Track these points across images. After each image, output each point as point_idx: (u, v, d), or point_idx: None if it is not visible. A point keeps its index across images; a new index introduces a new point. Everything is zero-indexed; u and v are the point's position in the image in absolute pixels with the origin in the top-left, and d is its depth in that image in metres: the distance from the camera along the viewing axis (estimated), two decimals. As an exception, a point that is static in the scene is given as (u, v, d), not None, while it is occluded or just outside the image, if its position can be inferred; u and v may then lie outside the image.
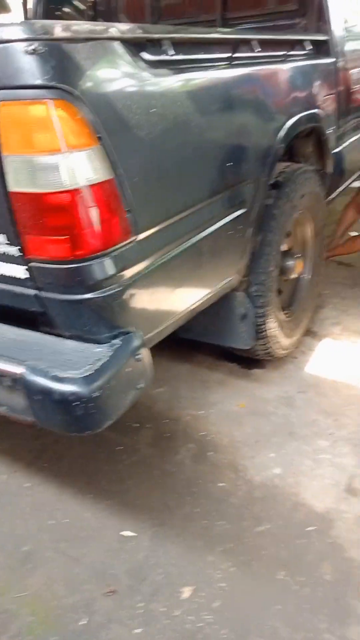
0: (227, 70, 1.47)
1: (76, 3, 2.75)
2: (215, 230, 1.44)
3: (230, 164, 1.44)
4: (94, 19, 2.74)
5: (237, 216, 1.55)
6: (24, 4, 2.98)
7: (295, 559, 1.45)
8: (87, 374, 1.06)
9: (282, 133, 1.69)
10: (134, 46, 1.15)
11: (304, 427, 1.93)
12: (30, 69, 0.92)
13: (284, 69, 1.76)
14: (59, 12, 2.86)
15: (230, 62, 1.49)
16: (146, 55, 1.19)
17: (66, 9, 2.87)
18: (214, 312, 1.81)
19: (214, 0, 2.27)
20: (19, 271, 1.14)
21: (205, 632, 1.28)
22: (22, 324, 1.24)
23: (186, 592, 1.38)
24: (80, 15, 2.73)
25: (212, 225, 1.42)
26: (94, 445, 1.86)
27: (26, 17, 2.95)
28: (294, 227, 2.15)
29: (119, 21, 2.66)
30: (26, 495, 1.70)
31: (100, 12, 2.79)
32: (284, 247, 2.09)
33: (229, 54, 1.49)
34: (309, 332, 2.49)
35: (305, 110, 1.86)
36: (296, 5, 2.15)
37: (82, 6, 2.80)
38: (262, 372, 2.20)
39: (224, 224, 1.47)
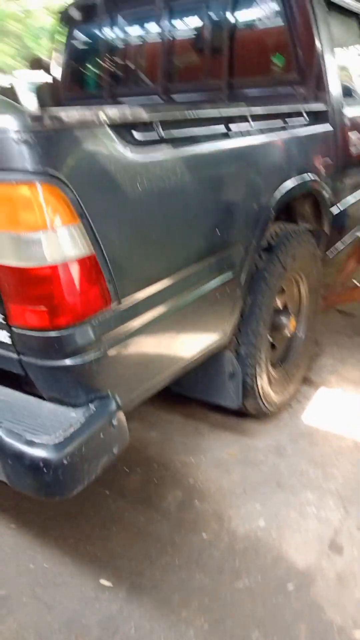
0: (218, 143, 1.52)
1: (102, 63, 2.89)
2: (200, 294, 1.48)
3: (217, 231, 1.48)
4: (116, 79, 2.86)
5: (224, 280, 1.58)
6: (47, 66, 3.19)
7: (271, 618, 1.43)
8: (58, 440, 1.09)
9: (273, 200, 1.73)
10: (124, 128, 1.22)
11: (292, 478, 1.91)
12: (20, 155, 1.00)
13: (277, 139, 1.82)
14: (84, 71, 3.03)
15: (223, 136, 1.56)
16: (136, 135, 1.25)
17: (91, 69, 3.02)
18: (203, 369, 1.84)
19: (221, 67, 2.37)
20: (3, 336, 1.19)
21: None
22: (8, 382, 1.29)
23: (157, 647, 1.36)
24: (104, 73, 2.86)
25: (196, 289, 1.45)
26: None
27: (52, 76, 3.13)
28: (287, 286, 2.19)
29: (139, 81, 2.79)
30: (10, 536, 1.71)
31: (122, 71, 2.92)
32: (277, 305, 2.13)
33: (223, 128, 1.56)
34: (306, 381, 2.49)
35: (300, 177, 1.91)
36: (296, 75, 2.24)
37: (106, 65, 2.94)
38: (256, 420, 2.20)
39: (210, 288, 1.51)
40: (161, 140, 1.30)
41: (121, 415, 1.24)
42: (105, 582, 1.53)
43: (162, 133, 1.30)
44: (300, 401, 2.36)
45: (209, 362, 1.81)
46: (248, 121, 1.61)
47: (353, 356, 2.71)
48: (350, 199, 2.49)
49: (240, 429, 2.17)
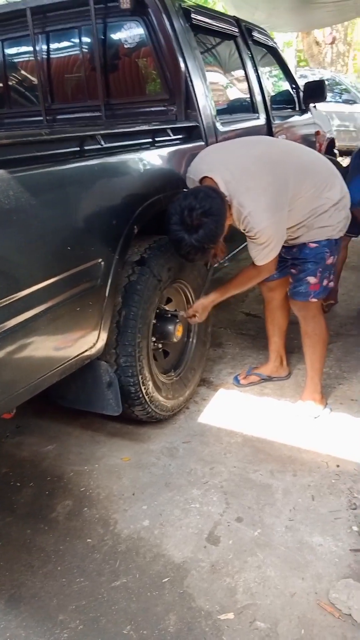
0: (66, 164, 1.59)
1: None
2: (58, 308, 1.53)
3: (69, 248, 1.54)
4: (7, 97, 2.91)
5: (84, 294, 1.64)
6: None
7: (144, 611, 1.49)
8: None
9: (134, 216, 1.83)
10: None
11: (180, 477, 1.99)
12: None
13: (137, 157, 1.92)
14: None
15: (73, 156, 1.64)
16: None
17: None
18: (82, 380, 1.91)
19: (98, 88, 2.46)
20: None
21: None
22: None
23: (30, 653, 1.39)
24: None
25: (53, 303, 1.50)
26: (-28, 507, 1.89)
27: None
28: (173, 295, 2.29)
29: (21, 103, 2.86)
30: None
31: (3, 93, 2.96)
32: (167, 313, 2.22)
33: (74, 148, 1.64)
34: (205, 382, 2.59)
35: (167, 192, 2.02)
36: (167, 95, 2.36)
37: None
38: (152, 425, 2.27)
39: (68, 302, 1.56)
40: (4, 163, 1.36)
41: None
42: (-17, 597, 1.55)
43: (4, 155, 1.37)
44: (197, 402, 2.46)
45: (86, 372, 1.88)
46: (99, 142, 1.70)
47: (253, 357, 2.83)
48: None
49: (136, 435, 2.24)
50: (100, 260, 1.68)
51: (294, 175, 1.99)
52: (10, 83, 2.82)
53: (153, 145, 2.07)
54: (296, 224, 2.07)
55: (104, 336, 1.80)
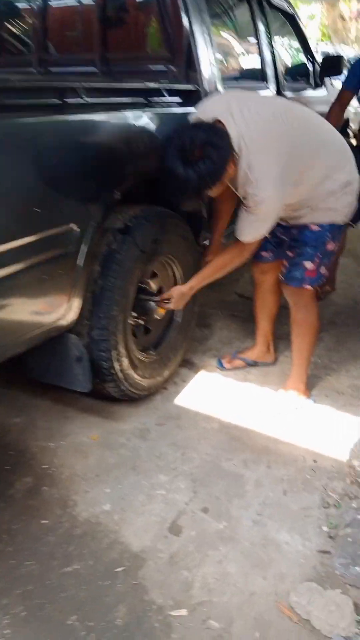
0: (37, 118, 1.43)
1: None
2: (19, 275, 1.40)
3: (37, 210, 1.41)
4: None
5: (53, 262, 1.51)
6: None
7: (93, 601, 1.41)
8: None
9: (117, 181, 1.68)
10: None
11: (149, 461, 1.90)
12: None
13: (124, 118, 1.76)
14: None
15: (49, 108, 1.49)
16: None
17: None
18: (51, 353, 1.79)
19: (96, 41, 2.29)
20: None
21: None
22: None
23: (-33, 638, 1.32)
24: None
25: (13, 269, 1.37)
26: None
27: None
28: (159, 269, 2.16)
29: (13, 51, 2.68)
30: None
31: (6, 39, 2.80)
32: (152, 289, 2.10)
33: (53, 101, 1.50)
34: (187, 363, 2.48)
35: (157, 158, 1.87)
36: (168, 53, 2.18)
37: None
38: (126, 404, 2.17)
39: (31, 269, 1.43)
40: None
41: None
42: None
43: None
44: (177, 384, 2.35)
45: (55, 345, 1.77)
46: (80, 96, 1.55)
47: (240, 339, 2.72)
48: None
49: (108, 412, 2.14)
50: (73, 225, 1.55)
51: (310, 149, 1.84)
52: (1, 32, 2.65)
53: (147, 106, 1.92)
54: (300, 201, 1.93)
55: (75, 307, 1.68)
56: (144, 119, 1.84)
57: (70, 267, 1.59)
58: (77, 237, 1.57)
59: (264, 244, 2.08)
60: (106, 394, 2.04)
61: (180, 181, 1.64)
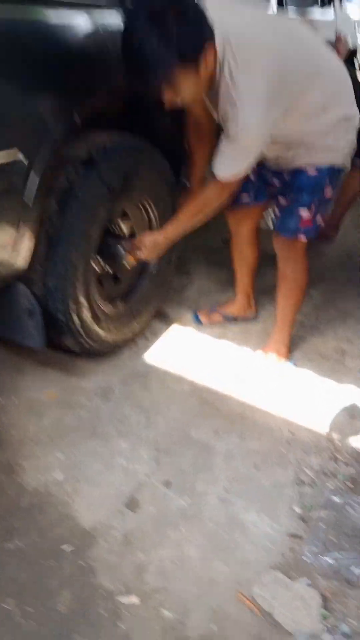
0: None
1: None
2: None
3: None
4: None
5: None
6: None
7: (34, 584, 1.26)
8: None
9: (75, 101, 1.38)
10: None
11: (110, 425, 1.72)
12: None
13: (90, 17, 1.43)
14: None
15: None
16: None
17: None
18: (1, 306, 1.56)
19: None
20: None
21: None
22: None
23: None
24: None
25: None
26: None
27: None
28: (131, 210, 1.89)
29: None
30: None
31: None
32: (123, 232, 1.85)
33: None
34: (160, 315, 2.27)
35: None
36: None
37: None
38: (89, 359, 1.97)
39: None
40: None
41: None
42: None
43: None
44: (147, 338, 2.15)
45: (2, 296, 1.53)
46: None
47: (219, 290, 2.50)
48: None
49: (69, 368, 1.94)
50: (17, 154, 1.26)
51: (305, 71, 1.55)
52: None
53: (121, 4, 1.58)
54: (291, 136, 1.65)
55: (25, 252, 1.43)
56: (115, 17, 1.51)
57: (17, 204, 1.32)
58: (25, 168, 1.29)
59: (244, 183, 1.82)
60: (63, 348, 1.83)
61: (150, 54, 1.27)
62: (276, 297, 2.02)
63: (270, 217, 1.89)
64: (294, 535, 1.43)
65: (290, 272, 1.94)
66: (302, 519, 1.47)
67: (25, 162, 1.28)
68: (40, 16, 1.34)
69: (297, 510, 1.50)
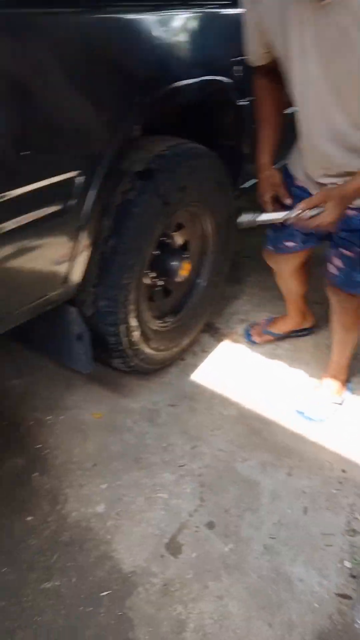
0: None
1: None
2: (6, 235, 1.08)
3: (24, 154, 1.05)
4: None
5: (45, 222, 1.16)
6: None
7: (69, 632, 1.24)
8: None
9: (136, 109, 1.27)
10: None
11: (155, 453, 1.67)
12: None
13: (148, 21, 1.29)
14: None
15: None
16: None
17: None
18: (50, 325, 1.50)
19: None
20: None
21: None
22: None
23: None
24: None
25: None
26: None
27: None
28: (187, 221, 1.78)
29: None
30: None
31: None
32: (175, 245, 1.75)
33: None
34: (209, 328, 2.17)
35: (194, 77, 1.42)
36: None
37: None
38: (137, 375, 1.90)
39: (17, 232, 1.10)
40: None
41: None
42: None
43: None
44: (196, 354, 2.07)
45: (55, 319, 1.47)
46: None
47: (272, 302, 2.36)
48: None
49: (116, 386, 1.89)
50: (76, 173, 1.17)
51: None
52: None
53: (183, 5, 1.44)
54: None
55: (77, 274, 1.36)
56: (179, 24, 1.37)
57: (73, 226, 1.25)
58: (82, 187, 1.20)
59: (290, 231, 1.62)
60: (112, 367, 1.77)
61: None
62: (331, 336, 1.85)
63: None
64: (343, 595, 1.34)
65: (350, 322, 1.74)
66: (353, 575, 1.39)
67: (85, 180, 1.19)
68: (102, 21, 1.21)
69: (348, 565, 1.41)
